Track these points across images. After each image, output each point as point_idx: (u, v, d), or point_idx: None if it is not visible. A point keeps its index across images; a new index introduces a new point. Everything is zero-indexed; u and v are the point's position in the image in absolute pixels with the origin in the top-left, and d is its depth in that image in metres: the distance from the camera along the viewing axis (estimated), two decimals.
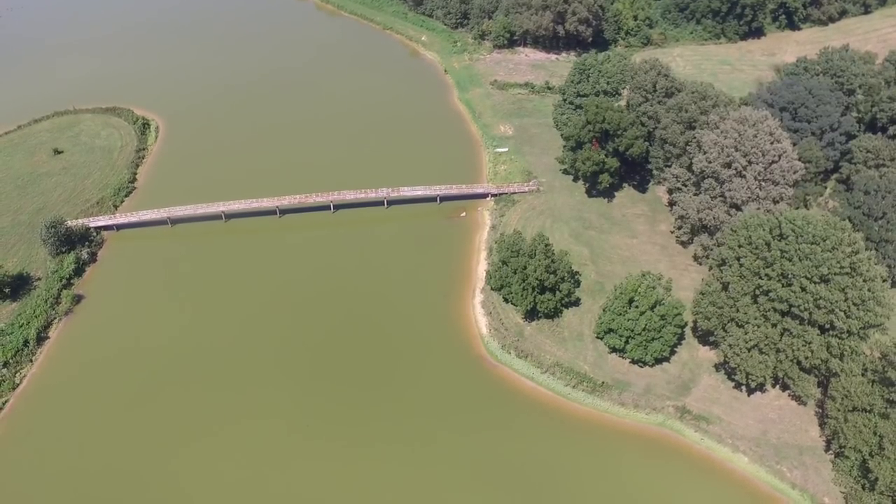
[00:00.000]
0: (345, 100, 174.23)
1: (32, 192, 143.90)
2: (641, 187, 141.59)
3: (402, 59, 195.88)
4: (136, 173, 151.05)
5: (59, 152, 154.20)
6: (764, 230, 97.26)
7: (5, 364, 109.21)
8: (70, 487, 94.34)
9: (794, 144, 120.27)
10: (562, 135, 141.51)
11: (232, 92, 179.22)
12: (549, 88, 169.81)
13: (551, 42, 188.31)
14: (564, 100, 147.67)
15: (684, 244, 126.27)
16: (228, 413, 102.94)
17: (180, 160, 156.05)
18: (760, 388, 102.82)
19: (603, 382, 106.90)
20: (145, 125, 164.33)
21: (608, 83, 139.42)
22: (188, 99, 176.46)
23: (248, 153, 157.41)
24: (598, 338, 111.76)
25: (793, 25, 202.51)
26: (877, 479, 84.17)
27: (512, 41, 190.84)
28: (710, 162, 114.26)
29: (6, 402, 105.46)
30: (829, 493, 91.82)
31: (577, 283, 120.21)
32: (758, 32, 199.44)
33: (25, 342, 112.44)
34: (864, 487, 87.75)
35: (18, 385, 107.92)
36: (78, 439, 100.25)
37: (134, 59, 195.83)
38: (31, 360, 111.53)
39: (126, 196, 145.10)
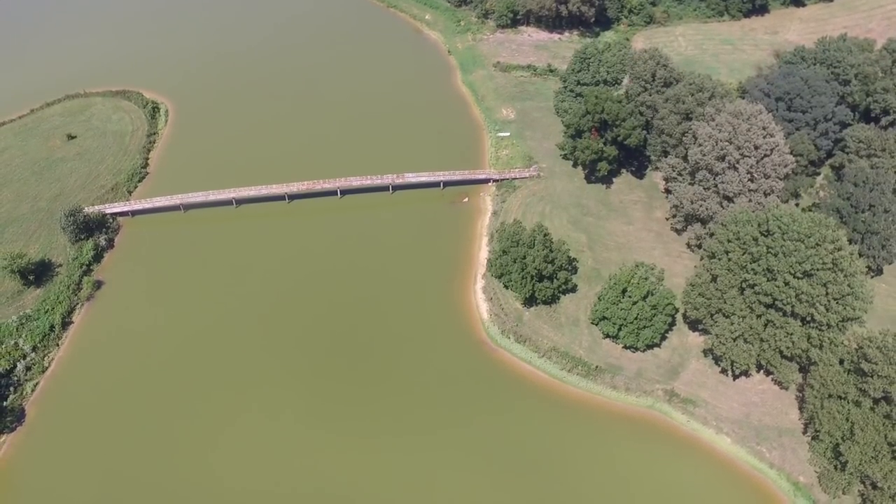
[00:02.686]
0: (350, 82, 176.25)
1: (49, 177, 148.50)
2: (639, 173, 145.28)
3: (406, 38, 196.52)
4: (147, 158, 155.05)
5: (73, 137, 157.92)
6: (752, 226, 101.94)
7: (34, 348, 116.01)
8: (99, 465, 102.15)
9: (788, 136, 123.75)
10: (562, 121, 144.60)
11: (237, 73, 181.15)
12: (551, 71, 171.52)
13: (554, 22, 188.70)
14: (565, 87, 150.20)
15: (678, 231, 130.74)
16: (241, 394, 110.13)
17: (190, 145, 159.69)
18: (745, 373, 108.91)
19: (597, 367, 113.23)
20: (155, 109, 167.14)
21: (608, 72, 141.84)
22: (195, 81, 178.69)
23: (254, 136, 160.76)
24: (593, 324, 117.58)
25: (797, 1, 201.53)
26: (847, 461, 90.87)
27: (515, 20, 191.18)
28: (704, 155, 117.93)
29: (37, 384, 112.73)
30: (804, 472, 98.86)
31: (575, 270, 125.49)
32: (762, 9, 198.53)
33: (51, 327, 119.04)
34: (835, 468, 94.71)
35: (47, 368, 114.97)
36: (105, 420, 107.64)
37: (140, 39, 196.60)
38: (58, 345, 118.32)
39: (139, 182, 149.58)
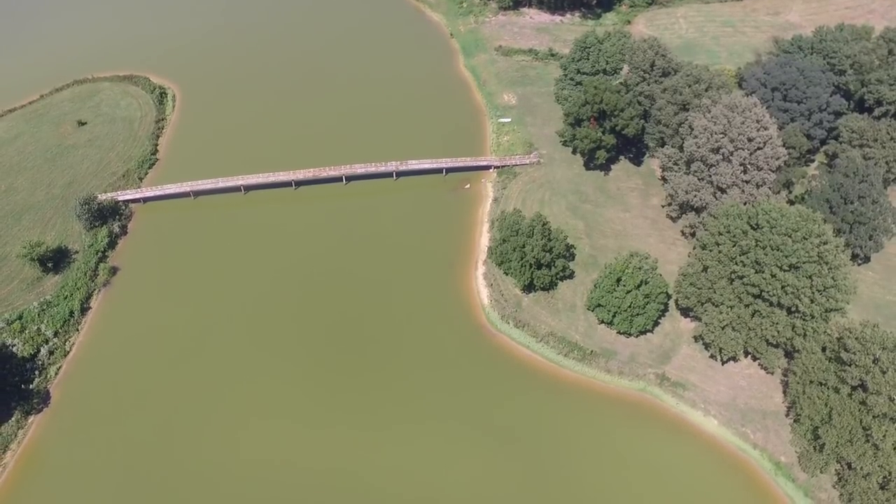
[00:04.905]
0: (354, 66, 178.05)
1: (61, 164, 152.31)
2: (637, 160, 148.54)
3: (409, 20, 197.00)
4: (156, 145, 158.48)
5: (83, 124, 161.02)
6: (741, 220, 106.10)
7: (55, 333, 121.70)
8: (121, 443, 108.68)
9: (781, 128, 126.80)
10: (562, 109, 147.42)
11: (240, 57, 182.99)
12: (552, 55, 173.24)
13: (556, 3, 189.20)
14: (565, 75, 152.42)
15: (673, 219, 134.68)
16: (251, 376, 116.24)
17: (197, 131, 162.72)
18: (733, 358, 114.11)
19: (592, 351, 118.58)
20: (162, 94, 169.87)
21: (608, 62, 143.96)
22: (200, 65, 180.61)
23: (259, 121, 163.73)
24: (588, 310, 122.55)
25: None
26: (825, 443, 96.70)
27: (517, 2, 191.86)
28: (699, 146, 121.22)
29: (60, 367, 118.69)
30: (786, 452, 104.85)
31: (572, 257, 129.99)
32: None
33: (71, 313, 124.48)
34: (814, 449, 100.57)
35: (69, 352, 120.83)
36: (125, 400, 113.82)
37: (146, 23, 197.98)
38: (78, 329, 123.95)
39: (149, 168, 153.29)
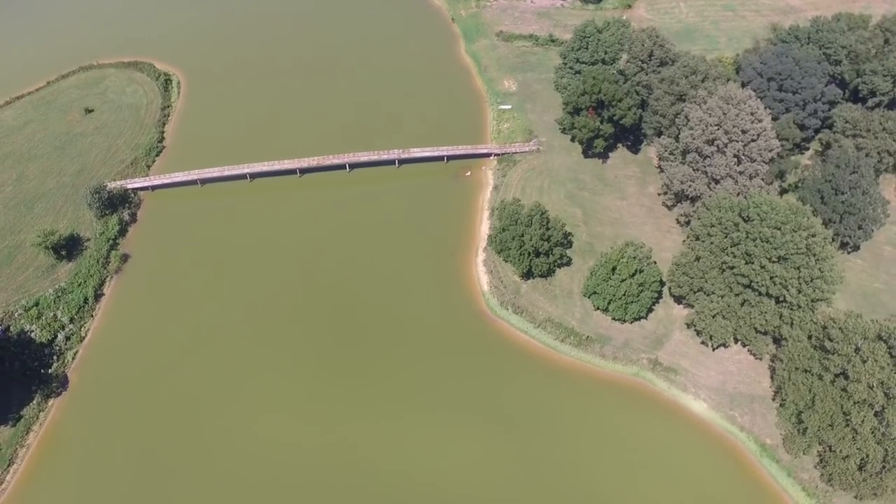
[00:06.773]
0: (356, 52, 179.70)
1: (71, 152, 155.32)
2: (634, 148, 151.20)
3: (411, 4, 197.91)
4: (163, 132, 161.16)
5: (90, 111, 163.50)
6: (733, 213, 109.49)
7: (71, 319, 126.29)
8: (137, 424, 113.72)
9: (776, 118, 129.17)
10: (562, 98, 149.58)
11: (243, 43, 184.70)
12: (552, 41, 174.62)
13: None
14: (565, 64, 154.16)
15: (669, 207, 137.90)
16: (257, 361, 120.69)
17: (203, 118, 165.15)
18: (723, 344, 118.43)
19: (588, 337, 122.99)
20: (167, 81, 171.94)
21: (606, 52, 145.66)
22: (204, 51, 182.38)
23: (264, 108, 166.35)
24: (585, 296, 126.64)
25: None
26: (807, 427, 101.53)
27: None
28: (694, 138, 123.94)
29: (76, 352, 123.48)
30: (771, 435, 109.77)
31: (570, 245, 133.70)
32: None
33: (85, 299, 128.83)
34: (798, 432, 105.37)
35: (84, 338, 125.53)
36: (140, 383, 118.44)
37: (149, 8, 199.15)
38: (92, 316, 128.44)
39: (156, 156, 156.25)
